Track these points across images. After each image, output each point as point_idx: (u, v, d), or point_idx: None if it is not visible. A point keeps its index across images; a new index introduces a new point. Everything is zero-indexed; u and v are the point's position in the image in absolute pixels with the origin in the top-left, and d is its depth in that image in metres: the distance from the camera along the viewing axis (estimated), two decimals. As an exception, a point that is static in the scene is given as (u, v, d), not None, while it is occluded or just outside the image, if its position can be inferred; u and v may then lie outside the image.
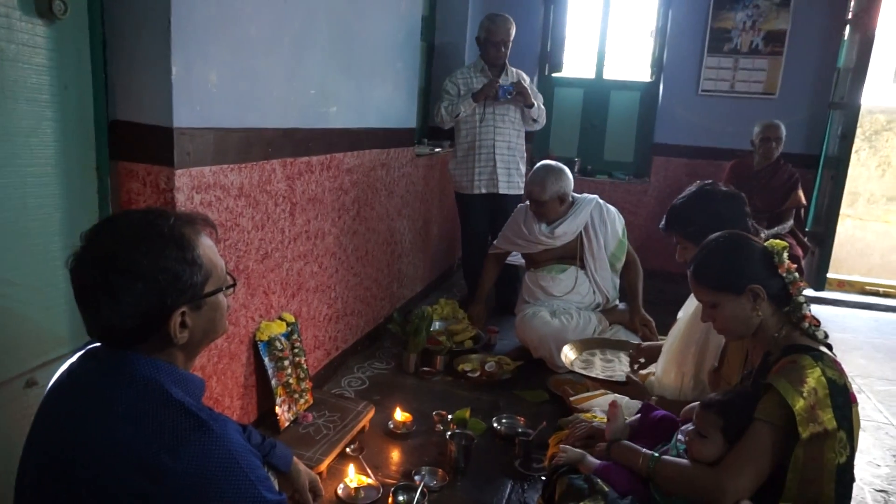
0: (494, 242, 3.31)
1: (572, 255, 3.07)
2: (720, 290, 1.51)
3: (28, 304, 1.50)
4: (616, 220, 3.08)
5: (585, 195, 3.10)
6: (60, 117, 1.53)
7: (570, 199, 3.06)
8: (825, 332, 1.47)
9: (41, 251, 1.52)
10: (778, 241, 1.52)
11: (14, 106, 1.41)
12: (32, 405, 1.08)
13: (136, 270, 0.97)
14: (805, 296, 1.49)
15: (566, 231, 3.02)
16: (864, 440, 2.52)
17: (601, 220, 3.04)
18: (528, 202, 3.14)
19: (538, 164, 3.08)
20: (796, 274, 1.48)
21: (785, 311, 1.48)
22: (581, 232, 3.04)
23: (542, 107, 3.62)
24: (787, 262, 1.48)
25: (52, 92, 1.50)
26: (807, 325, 1.45)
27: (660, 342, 2.45)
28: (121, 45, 1.64)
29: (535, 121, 3.62)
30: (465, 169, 3.60)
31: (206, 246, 1.07)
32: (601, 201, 3.09)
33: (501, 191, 3.60)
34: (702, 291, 1.55)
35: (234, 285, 1.14)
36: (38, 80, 1.47)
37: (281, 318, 2.26)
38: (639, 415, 1.76)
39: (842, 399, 1.35)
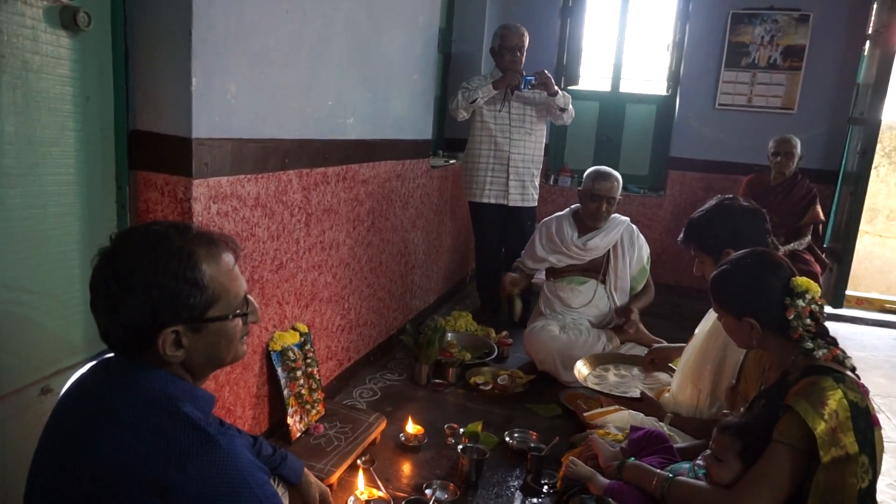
0: (519, 261, 3.25)
1: (596, 269, 3.06)
2: (722, 307, 1.57)
3: (45, 312, 1.52)
4: (644, 246, 3.09)
5: (618, 216, 3.10)
6: (82, 127, 1.56)
7: None
8: (853, 366, 1.44)
9: (60, 259, 1.54)
10: (809, 282, 1.47)
11: (38, 116, 1.44)
12: (47, 413, 1.08)
13: (130, 281, 0.97)
14: (822, 341, 1.44)
15: (598, 245, 3.02)
16: (886, 463, 2.46)
17: (630, 242, 3.05)
18: (557, 215, 3.13)
19: (596, 168, 3.06)
20: (807, 321, 1.44)
21: (798, 346, 1.45)
22: (609, 249, 3.04)
23: (569, 94, 3.51)
24: (802, 307, 1.44)
25: (74, 102, 1.52)
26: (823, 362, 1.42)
27: (675, 345, 2.46)
28: (143, 57, 1.66)
29: (562, 109, 3.44)
30: (475, 176, 3.56)
31: (220, 269, 1.04)
32: (633, 225, 3.11)
33: (512, 203, 3.56)
34: (712, 300, 1.62)
35: (246, 314, 1.09)
36: (61, 90, 1.49)
37: (294, 329, 2.26)
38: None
39: (864, 422, 1.33)
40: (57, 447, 1.01)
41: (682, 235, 2.10)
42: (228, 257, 1.07)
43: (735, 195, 2.14)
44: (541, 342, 2.95)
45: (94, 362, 1.08)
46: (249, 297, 1.12)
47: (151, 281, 0.97)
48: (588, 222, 3.03)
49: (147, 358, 1.01)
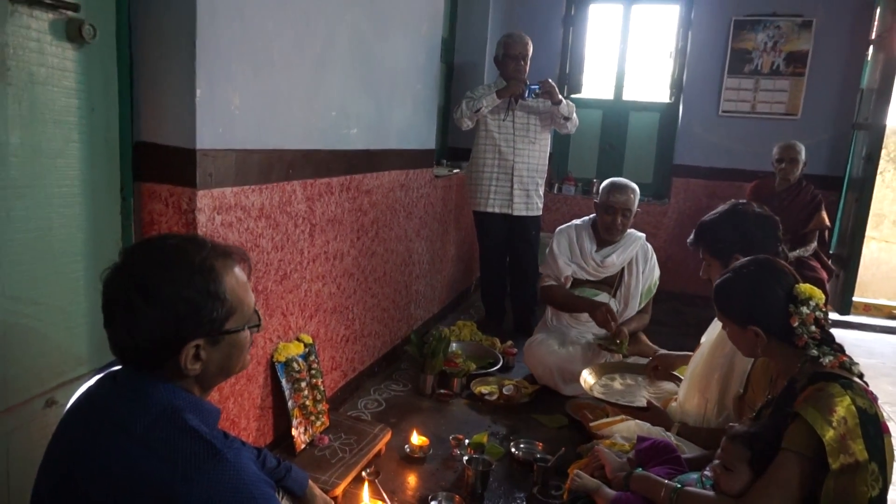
0: (548, 279, 3.07)
1: (609, 283, 3.02)
2: (726, 316, 1.57)
3: (50, 324, 1.52)
4: (655, 268, 3.03)
5: (634, 231, 3.03)
6: (87, 139, 1.56)
7: None
8: (860, 372, 1.42)
9: (64, 271, 1.54)
10: (812, 289, 1.45)
11: (43, 128, 1.44)
12: (52, 424, 1.08)
13: (156, 296, 0.97)
14: (827, 348, 1.43)
15: (614, 262, 2.96)
16: (896, 471, 2.43)
17: (644, 259, 3.00)
18: (574, 223, 3.09)
19: (612, 179, 2.97)
20: (812, 328, 1.42)
21: (804, 354, 1.44)
22: (624, 266, 2.99)
23: (573, 103, 3.52)
24: (807, 313, 1.42)
25: (79, 114, 1.53)
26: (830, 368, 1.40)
27: (680, 353, 2.45)
28: (147, 68, 1.67)
29: (566, 118, 3.44)
30: (479, 185, 3.55)
31: (237, 282, 1.06)
32: (648, 244, 3.04)
33: (517, 213, 3.55)
34: (716, 309, 1.61)
35: (258, 325, 1.12)
36: (66, 102, 1.49)
37: (298, 340, 2.25)
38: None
39: (873, 429, 1.31)
40: (64, 457, 1.01)
41: (692, 237, 2.09)
42: (241, 270, 1.09)
43: (749, 201, 2.13)
44: (538, 357, 2.92)
45: (101, 374, 1.08)
46: (256, 307, 1.13)
47: (177, 295, 0.97)
48: (604, 235, 2.97)
49: (160, 371, 1.01)
